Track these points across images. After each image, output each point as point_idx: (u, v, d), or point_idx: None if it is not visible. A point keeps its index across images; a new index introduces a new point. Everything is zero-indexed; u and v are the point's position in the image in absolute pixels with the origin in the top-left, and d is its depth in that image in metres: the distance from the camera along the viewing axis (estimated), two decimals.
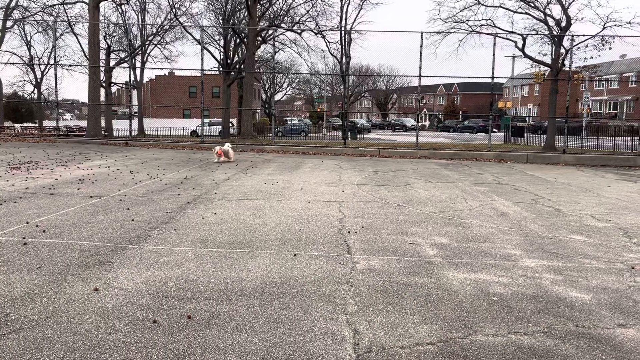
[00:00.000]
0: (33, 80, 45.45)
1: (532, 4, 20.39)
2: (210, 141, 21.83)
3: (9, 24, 34.30)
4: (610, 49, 24.07)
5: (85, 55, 29.32)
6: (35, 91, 46.16)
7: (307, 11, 31.06)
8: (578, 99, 50.87)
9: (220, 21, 33.81)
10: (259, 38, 29.94)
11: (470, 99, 78.14)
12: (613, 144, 21.89)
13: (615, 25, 19.64)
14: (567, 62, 19.49)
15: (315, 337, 3.29)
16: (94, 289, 4.02)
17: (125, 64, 32.68)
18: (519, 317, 3.68)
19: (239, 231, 6.04)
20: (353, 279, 4.43)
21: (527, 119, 45.35)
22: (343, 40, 29.95)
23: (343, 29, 30.42)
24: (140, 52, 36.73)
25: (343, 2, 31.70)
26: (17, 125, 40.01)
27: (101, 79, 27.55)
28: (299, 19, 30.25)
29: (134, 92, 37.09)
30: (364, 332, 3.38)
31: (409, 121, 56.97)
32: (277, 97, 62.99)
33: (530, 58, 21.11)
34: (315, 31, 29.20)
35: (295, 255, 5.09)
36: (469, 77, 54.19)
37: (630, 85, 53.45)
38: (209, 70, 34.56)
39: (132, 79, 31.64)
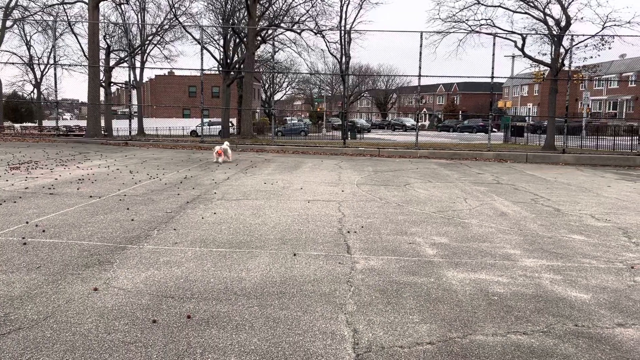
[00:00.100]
0: (33, 80, 45.45)
1: (531, 4, 20.40)
2: (209, 141, 21.82)
3: (8, 23, 34.27)
4: (609, 48, 24.11)
5: (85, 55, 29.32)
6: (35, 91, 46.15)
7: (307, 11, 31.01)
8: (578, 98, 50.88)
9: (220, 21, 33.80)
10: (259, 38, 29.94)
11: (470, 99, 78.17)
12: (612, 144, 21.90)
13: (614, 25, 19.67)
14: (566, 62, 19.50)
15: (314, 336, 3.29)
16: (93, 289, 4.02)
17: (125, 64, 32.68)
18: (518, 317, 3.68)
19: (238, 231, 6.04)
20: (352, 278, 4.43)
21: (526, 118, 45.36)
22: (343, 40, 29.95)
23: (343, 28, 30.42)
24: (139, 51, 36.71)
25: (343, 2, 31.69)
26: (17, 125, 40.04)
27: (101, 78, 27.56)
28: (299, 19, 30.27)
29: (134, 92, 37.07)
30: (364, 332, 3.38)
31: (409, 121, 56.94)
32: (277, 96, 63.04)
33: (530, 58, 21.12)
34: (314, 31, 29.21)
35: (294, 255, 5.10)
36: (468, 77, 54.25)
37: (629, 85, 53.47)
38: (208, 70, 34.60)
39: (132, 78, 31.61)
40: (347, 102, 26.56)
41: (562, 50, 20.11)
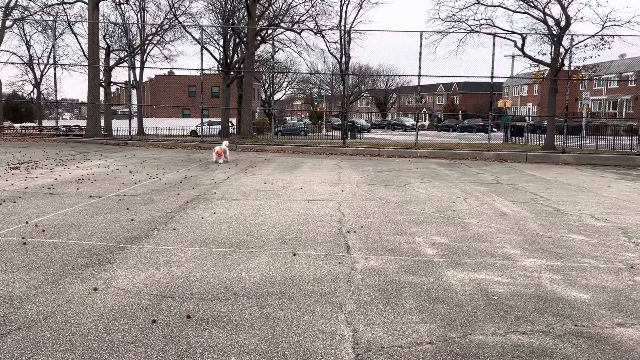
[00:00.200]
0: (32, 80, 45.49)
1: (531, 4, 20.40)
2: (209, 141, 21.82)
3: (8, 23, 34.27)
4: (609, 48, 24.11)
5: (85, 55, 29.31)
6: (35, 91, 46.17)
7: (307, 10, 30.98)
8: (577, 98, 50.89)
9: (220, 21, 33.78)
10: (259, 37, 29.93)
11: (470, 99, 78.18)
12: (612, 144, 21.90)
13: (614, 25, 19.65)
14: (566, 62, 19.49)
15: (314, 336, 3.30)
16: (93, 289, 4.02)
17: (125, 64, 32.65)
18: (518, 317, 3.69)
19: (238, 231, 6.04)
20: (352, 278, 4.43)
21: (526, 118, 45.35)
22: (342, 40, 29.93)
23: (342, 28, 30.41)
24: (139, 51, 36.69)
25: (342, 2, 31.66)
26: (17, 125, 40.03)
27: (100, 78, 27.55)
28: (299, 19, 30.24)
29: (134, 92, 37.05)
30: (363, 332, 3.38)
31: (409, 121, 56.94)
32: (277, 96, 63.06)
33: (530, 57, 21.11)
34: (314, 31, 29.19)
35: (294, 254, 5.10)
36: (468, 77, 54.28)
37: (629, 85, 53.49)
38: (208, 69, 34.60)
39: (132, 78, 31.60)
40: (347, 102, 26.56)
41: (562, 50, 20.12)
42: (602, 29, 19.47)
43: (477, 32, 21.24)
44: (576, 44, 19.40)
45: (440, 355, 3.09)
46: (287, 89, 68.60)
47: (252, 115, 35.25)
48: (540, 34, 21.01)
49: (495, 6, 21.09)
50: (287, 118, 57.54)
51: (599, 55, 20.41)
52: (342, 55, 30.28)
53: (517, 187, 10.55)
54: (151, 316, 3.53)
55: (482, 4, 21.02)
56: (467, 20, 21.28)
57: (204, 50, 25.46)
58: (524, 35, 20.69)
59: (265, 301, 3.86)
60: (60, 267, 4.55)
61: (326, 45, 45.94)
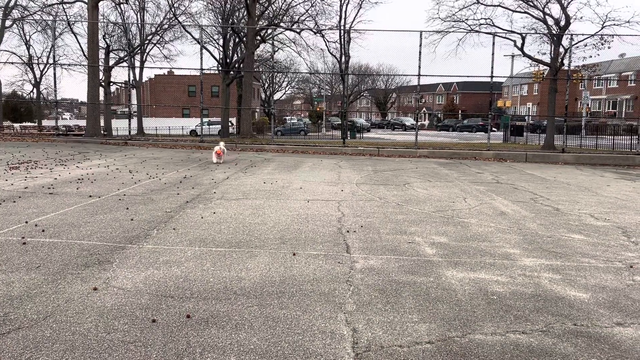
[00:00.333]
0: (32, 80, 45.45)
1: (531, 3, 20.40)
2: (209, 140, 21.82)
3: (8, 23, 34.26)
4: (609, 48, 24.13)
5: (85, 55, 29.32)
6: (34, 90, 46.14)
7: (306, 10, 31.00)
8: (577, 98, 50.91)
9: (220, 20, 33.78)
10: (258, 37, 29.92)
11: (470, 98, 78.16)
12: (612, 143, 21.92)
13: (614, 25, 19.64)
14: (566, 61, 19.49)
15: (314, 336, 3.30)
16: (93, 289, 4.02)
17: (125, 63, 32.67)
18: (517, 316, 3.69)
19: (238, 230, 6.05)
20: (352, 278, 4.43)
21: (526, 118, 45.37)
22: (342, 40, 29.89)
23: (342, 28, 30.40)
24: (139, 51, 36.68)
25: (342, 1, 31.62)
26: (16, 125, 39.99)
27: (100, 78, 27.55)
28: (298, 18, 30.23)
29: (133, 92, 37.04)
30: (363, 331, 3.38)
31: (408, 120, 56.94)
32: (277, 96, 63.04)
33: (530, 57, 21.12)
34: (314, 30, 29.17)
35: (294, 254, 5.10)
36: (468, 77, 54.31)
37: (629, 84, 53.51)
38: (208, 69, 34.64)
39: (131, 78, 31.58)
40: (347, 101, 26.52)
41: (561, 49, 20.13)
42: (602, 28, 19.51)
43: (476, 31, 21.26)
44: (576, 43, 19.41)
45: (439, 354, 3.10)
46: (286, 89, 68.64)
47: (252, 115, 35.25)
48: (539, 33, 21.03)
49: (494, 6, 21.11)
50: (287, 118, 57.52)
51: (598, 54, 20.44)
52: (341, 54, 30.26)
53: (517, 186, 10.55)
54: (151, 316, 3.54)
55: (481, 4, 21.03)
56: (466, 19, 21.30)
57: (204, 50, 25.49)
58: (524, 34, 20.71)
59: (264, 301, 3.86)
60: (60, 266, 4.55)
61: (326, 45, 46.00)
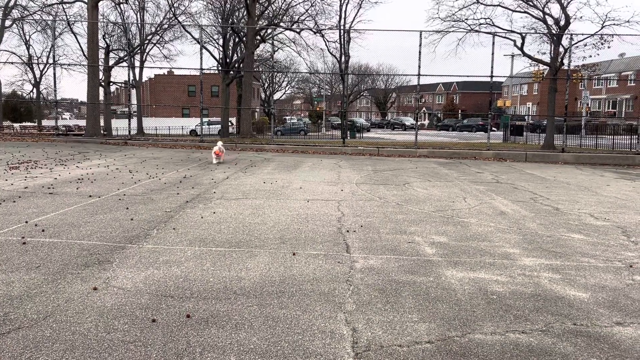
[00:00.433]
0: (32, 80, 45.43)
1: (531, 3, 20.41)
2: (209, 140, 21.81)
3: (7, 23, 34.25)
4: (609, 47, 24.16)
5: (84, 55, 29.32)
6: (34, 90, 46.13)
7: (306, 10, 30.97)
8: (577, 97, 50.90)
9: (219, 20, 33.77)
10: (258, 37, 29.92)
11: (470, 98, 78.15)
12: (612, 143, 21.92)
13: (614, 24, 19.64)
14: (566, 61, 19.50)
15: (314, 335, 3.30)
16: (93, 288, 4.03)
17: (124, 63, 32.67)
18: (517, 316, 3.69)
19: (238, 230, 6.05)
20: (352, 277, 4.44)
21: (526, 117, 45.39)
22: (342, 39, 29.89)
23: (342, 27, 30.40)
24: (139, 51, 36.68)
25: (342, 1, 31.61)
26: (16, 125, 40.01)
27: (100, 78, 27.55)
28: (298, 18, 30.23)
29: (133, 92, 37.05)
30: (363, 331, 3.38)
31: (408, 120, 56.95)
32: (276, 96, 63.10)
33: (529, 57, 21.13)
34: (314, 30, 29.17)
35: (294, 254, 5.10)
36: (468, 76, 54.31)
37: (629, 84, 53.49)
38: (208, 69, 34.63)
39: (131, 78, 31.58)
40: (347, 101, 26.51)
41: (561, 49, 20.14)
42: (602, 28, 19.51)
43: (476, 31, 21.27)
44: (575, 43, 19.42)
45: (439, 354, 3.10)
46: (286, 89, 68.65)
47: (252, 114, 35.25)
48: (539, 33, 21.04)
49: (494, 5, 21.12)
50: (287, 117, 57.53)
51: (598, 54, 20.47)
52: (341, 54, 30.26)
53: (517, 186, 10.55)
54: (151, 315, 3.54)
55: (481, 3, 21.04)
56: (466, 19, 21.32)
57: (204, 50, 25.48)
58: (524, 34, 20.72)
59: (264, 300, 3.86)
60: (59, 266, 4.55)
61: (326, 44, 45.93)
